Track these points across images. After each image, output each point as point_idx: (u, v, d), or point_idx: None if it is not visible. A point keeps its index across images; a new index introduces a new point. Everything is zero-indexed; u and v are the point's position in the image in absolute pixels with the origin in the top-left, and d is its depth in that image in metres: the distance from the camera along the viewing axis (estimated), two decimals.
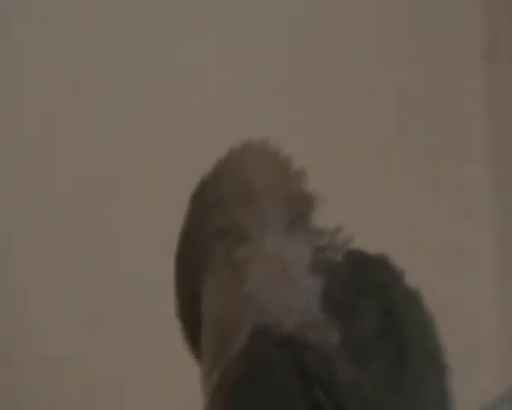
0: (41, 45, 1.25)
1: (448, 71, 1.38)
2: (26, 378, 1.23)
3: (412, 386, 0.60)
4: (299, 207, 0.66)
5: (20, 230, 1.24)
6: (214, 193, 0.67)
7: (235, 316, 0.62)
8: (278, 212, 0.64)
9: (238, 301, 0.62)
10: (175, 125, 1.24)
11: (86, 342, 1.24)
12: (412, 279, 0.65)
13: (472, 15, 1.38)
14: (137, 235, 1.22)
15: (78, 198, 1.26)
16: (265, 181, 0.66)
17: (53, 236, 1.25)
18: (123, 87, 1.26)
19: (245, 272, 0.62)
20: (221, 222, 0.65)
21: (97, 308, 1.25)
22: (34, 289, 1.26)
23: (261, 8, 1.34)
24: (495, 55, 1.37)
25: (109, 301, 1.25)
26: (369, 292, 0.62)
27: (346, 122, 1.32)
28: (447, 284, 1.33)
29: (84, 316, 1.25)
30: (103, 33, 1.27)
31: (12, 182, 1.26)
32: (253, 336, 0.59)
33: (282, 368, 0.57)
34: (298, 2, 1.34)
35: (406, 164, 1.37)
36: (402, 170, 1.37)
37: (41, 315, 1.25)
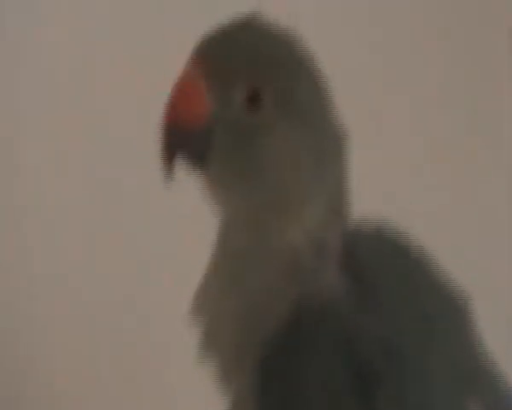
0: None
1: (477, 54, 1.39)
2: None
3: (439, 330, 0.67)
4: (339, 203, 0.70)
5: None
6: None
7: (270, 285, 0.66)
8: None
9: (275, 270, 0.66)
10: None
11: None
12: None
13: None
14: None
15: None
16: None
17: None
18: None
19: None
20: None
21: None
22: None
23: None
24: None
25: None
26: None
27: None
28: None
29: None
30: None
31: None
32: (296, 310, 0.64)
33: (325, 341, 0.63)
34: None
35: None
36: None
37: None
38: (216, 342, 0.69)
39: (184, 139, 0.66)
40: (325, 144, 0.67)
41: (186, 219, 1.19)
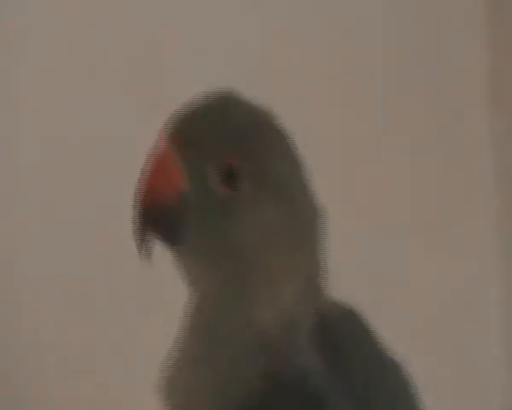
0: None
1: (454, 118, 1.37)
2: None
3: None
4: (314, 281, 0.69)
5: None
6: None
7: (242, 361, 0.66)
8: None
9: (247, 346, 0.66)
10: None
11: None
12: None
13: (477, 64, 1.37)
14: None
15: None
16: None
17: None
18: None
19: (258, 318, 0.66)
20: None
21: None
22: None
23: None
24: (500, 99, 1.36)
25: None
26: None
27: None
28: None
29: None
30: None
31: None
32: (267, 380, 0.64)
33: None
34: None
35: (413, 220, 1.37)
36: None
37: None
38: None
39: (157, 216, 0.66)
40: (301, 223, 0.67)
41: None
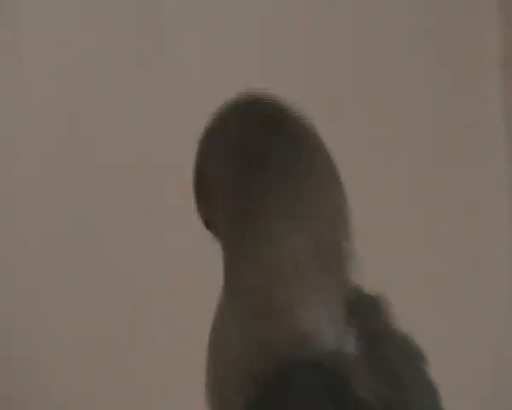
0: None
1: (467, 81, 1.38)
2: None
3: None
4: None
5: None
6: None
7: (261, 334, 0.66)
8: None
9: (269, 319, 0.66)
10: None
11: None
12: None
13: (490, 28, 1.38)
14: None
15: None
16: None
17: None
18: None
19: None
20: None
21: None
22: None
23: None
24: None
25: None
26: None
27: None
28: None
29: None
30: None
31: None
32: (288, 357, 0.64)
33: (312, 388, 0.64)
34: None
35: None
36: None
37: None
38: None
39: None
40: (330, 250, 0.67)
41: None
